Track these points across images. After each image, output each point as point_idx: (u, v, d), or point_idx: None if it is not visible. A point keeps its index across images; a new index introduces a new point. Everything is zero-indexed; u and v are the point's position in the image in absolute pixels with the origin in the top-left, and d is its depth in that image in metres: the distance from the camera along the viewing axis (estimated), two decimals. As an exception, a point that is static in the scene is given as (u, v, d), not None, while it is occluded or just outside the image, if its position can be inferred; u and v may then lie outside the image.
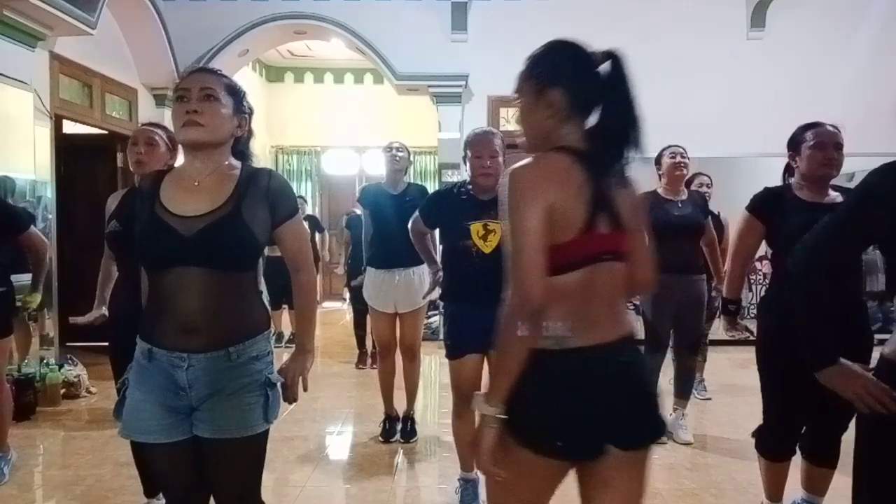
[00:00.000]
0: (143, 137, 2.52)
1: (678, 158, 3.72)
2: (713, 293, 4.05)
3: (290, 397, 1.72)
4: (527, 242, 1.30)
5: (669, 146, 3.79)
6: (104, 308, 2.76)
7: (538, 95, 1.43)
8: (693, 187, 4.26)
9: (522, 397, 1.34)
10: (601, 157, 1.38)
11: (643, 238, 1.49)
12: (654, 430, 1.43)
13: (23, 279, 3.48)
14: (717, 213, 4.42)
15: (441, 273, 3.03)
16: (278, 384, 1.70)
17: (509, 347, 1.32)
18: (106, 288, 2.78)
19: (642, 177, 1.49)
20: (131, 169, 2.58)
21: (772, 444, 2.47)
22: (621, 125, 1.40)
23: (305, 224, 3.69)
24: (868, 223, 1.43)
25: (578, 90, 1.40)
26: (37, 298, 3.41)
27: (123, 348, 1.81)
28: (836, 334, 1.48)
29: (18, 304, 3.46)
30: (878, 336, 2.35)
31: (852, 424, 2.32)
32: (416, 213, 3.05)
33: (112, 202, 2.68)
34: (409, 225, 3.10)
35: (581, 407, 1.34)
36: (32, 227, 3.27)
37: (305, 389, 1.76)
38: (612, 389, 1.36)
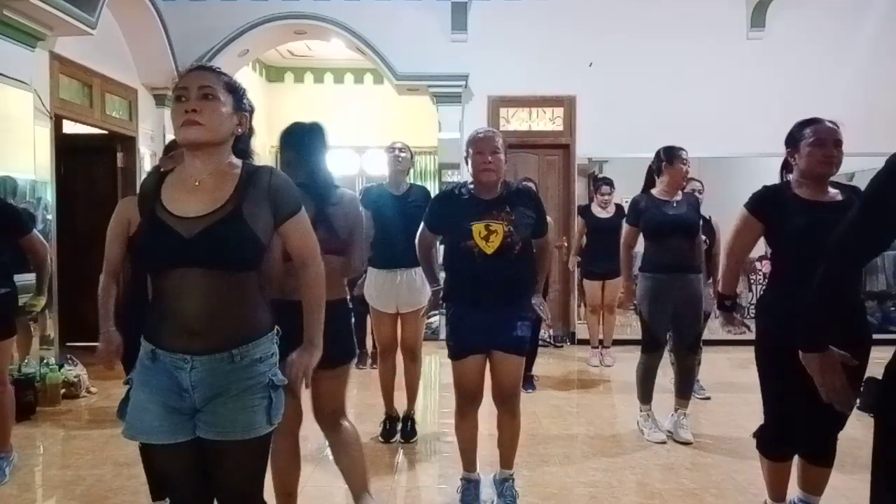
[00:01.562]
0: None
1: (687, 167, 3.74)
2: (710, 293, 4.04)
3: (292, 391, 1.72)
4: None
5: (678, 151, 3.73)
6: (112, 328, 2.50)
7: (282, 155, 2.49)
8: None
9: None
10: (321, 192, 2.36)
11: (356, 240, 2.47)
12: (351, 353, 2.50)
13: (25, 279, 3.47)
14: (708, 217, 4.39)
15: (441, 291, 2.93)
16: (282, 386, 1.69)
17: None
18: (111, 307, 2.52)
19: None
20: None
21: (773, 443, 2.46)
22: (325, 173, 2.43)
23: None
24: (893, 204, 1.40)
25: (301, 150, 2.41)
26: (41, 301, 3.41)
27: (135, 347, 1.77)
28: (836, 324, 1.56)
29: (29, 310, 3.45)
30: (877, 336, 2.34)
31: (850, 423, 2.34)
32: (422, 225, 2.93)
33: (128, 209, 2.50)
34: (417, 238, 2.97)
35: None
36: (34, 230, 3.27)
37: (307, 386, 1.75)
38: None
